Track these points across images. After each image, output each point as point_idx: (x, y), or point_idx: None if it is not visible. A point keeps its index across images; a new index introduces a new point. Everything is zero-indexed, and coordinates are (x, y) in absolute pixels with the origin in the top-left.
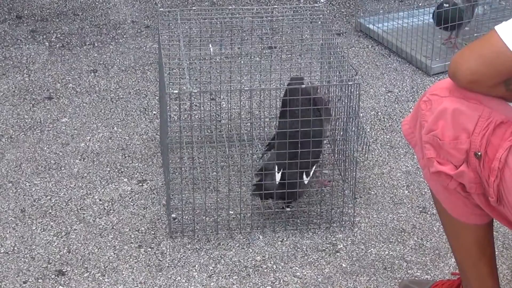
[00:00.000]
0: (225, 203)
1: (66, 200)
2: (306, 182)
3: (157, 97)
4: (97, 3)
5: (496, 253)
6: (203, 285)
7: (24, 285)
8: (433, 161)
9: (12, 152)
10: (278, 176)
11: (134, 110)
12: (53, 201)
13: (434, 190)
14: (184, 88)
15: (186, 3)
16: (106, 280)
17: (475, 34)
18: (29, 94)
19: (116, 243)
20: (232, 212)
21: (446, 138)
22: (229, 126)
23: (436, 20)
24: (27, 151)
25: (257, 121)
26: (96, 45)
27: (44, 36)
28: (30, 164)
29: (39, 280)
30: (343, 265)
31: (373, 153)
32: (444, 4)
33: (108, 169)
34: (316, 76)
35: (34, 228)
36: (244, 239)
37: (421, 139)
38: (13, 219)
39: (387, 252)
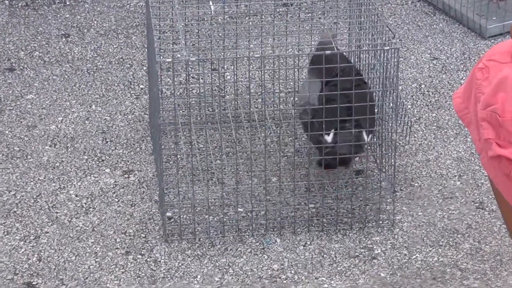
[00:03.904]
0: (232, 199)
1: (35, 196)
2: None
3: (145, 68)
4: None
5: None
6: None
7: None
8: (492, 143)
9: None
10: (329, 138)
11: (116, 84)
12: (18, 197)
13: (493, 179)
14: (179, 55)
15: None
16: None
17: None
18: None
19: (98, 248)
20: (241, 210)
21: (508, 114)
22: (236, 102)
23: None
24: None
25: (270, 96)
26: (68, 3)
27: None
28: None
29: None
30: (382, 274)
31: (415, 135)
32: None
33: (86, 157)
34: (343, 40)
35: None
36: (257, 243)
37: (477, 115)
38: None
39: (436, 258)
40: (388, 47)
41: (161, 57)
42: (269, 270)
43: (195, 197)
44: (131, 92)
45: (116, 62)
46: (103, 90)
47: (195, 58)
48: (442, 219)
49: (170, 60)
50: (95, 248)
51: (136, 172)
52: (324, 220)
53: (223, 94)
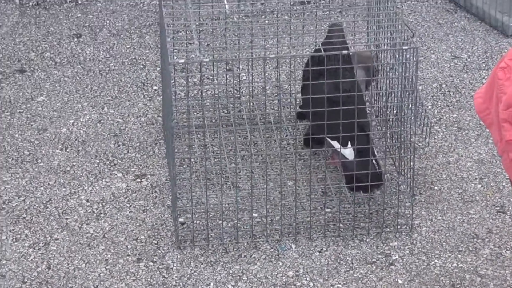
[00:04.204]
0: (247, 204)
1: (44, 202)
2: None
3: (158, 68)
4: None
5: None
6: None
7: None
8: None
9: None
10: (348, 152)
11: (129, 85)
12: (27, 203)
13: None
14: (193, 56)
15: None
16: None
17: None
18: None
19: (109, 255)
20: (256, 215)
21: None
22: (251, 104)
23: None
24: None
25: (286, 97)
26: (79, 2)
27: None
28: None
29: None
30: (399, 281)
31: (435, 137)
32: None
33: (97, 161)
34: (361, 38)
35: (4, 237)
36: (272, 249)
37: (498, 116)
38: None
39: (455, 264)
40: (407, 46)
41: (175, 58)
42: (283, 277)
43: (209, 202)
44: (144, 93)
45: (129, 63)
46: (116, 92)
47: (209, 58)
48: (461, 223)
49: (183, 61)
50: (105, 255)
51: (149, 176)
52: (341, 225)
53: (238, 95)
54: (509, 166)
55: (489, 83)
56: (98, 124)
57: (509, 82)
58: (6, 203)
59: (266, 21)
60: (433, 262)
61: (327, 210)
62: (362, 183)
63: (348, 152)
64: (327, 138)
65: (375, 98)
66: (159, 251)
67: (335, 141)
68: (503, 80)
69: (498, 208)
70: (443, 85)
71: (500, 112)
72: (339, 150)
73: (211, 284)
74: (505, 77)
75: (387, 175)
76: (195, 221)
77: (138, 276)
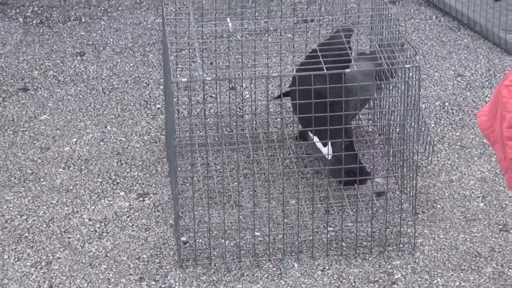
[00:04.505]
0: (249, 222)
1: (47, 221)
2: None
3: (161, 87)
4: None
5: None
6: None
7: None
8: None
9: None
10: (326, 150)
11: (132, 104)
12: (30, 222)
13: None
14: (196, 74)
15: None
16: None
17: None
18: None
19: (111, 275)
20: (258, 234)
21: None
22: (254, 122)
23: None
24: None
25: (289, 115)
26: (83, 20)
27: (18, 10)
28: (1, 174)
29: None
30: None
31: (438, 155)
32: None
33: (100, 179)
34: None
35: (6, 257)
36: (275, 268)
37: (502, 134)
38: None
39: (458, 283)
40: (409, 65)
41: (178, 76)
42: None
43: (211, 221)
44: (147, 112)
45: (132, 81)
46: (119, 110)
47: (212, 77)
48: (464, 242)
49: (185, 79)
50: (108, 275)
51: (152, 195)
52: (343, 243)
53: (241, 114)
54: None
55: (493, 101)
56: (101, 143)
57: None
58: (9, 222)
59: (269, 39)
60: (435, 281)
61: (329, 228)
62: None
63: (325, 150)
64: (308, 132)
65: (378, 116)
66: (162, 270)
67: (316, 136)
68: (507, 98)
69: (501, 227)
70: (446, 103)
71: (504, 130)
72: (318, 144)
73: None
74: (509, 95)
75: (389, 193)
76: (197, 240)
77: None
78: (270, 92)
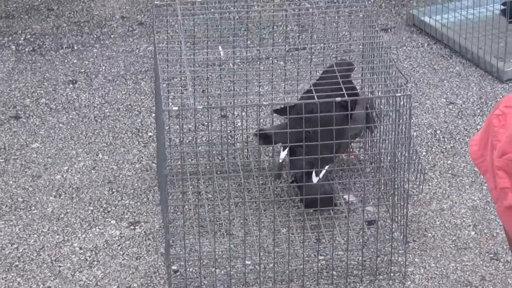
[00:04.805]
0: (240, 251)
1: (38, 249)
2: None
3: (153, 114)
4: None
5: None
6: None
7: None
8: (508, 192)
9: None
10: (283, 154)
11: (124, 132)
12: (20, 250)
13: (508, 230)
14: (187, 102)
15: None
16: None
17: None
18: None
19: None
20: (249, 263)
21: None
22: (245, 151)
23: (509, 15)
24: None
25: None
26: (75, 48)
27: (10, 38)
28: None
29: None
30: None
31: (429, 184)
32: None
33: (91, 208)
34: (356, 84)
35: None
36: None
37: (493, 164)
38: None
39: None
40: (400, 93)
41: (170, 104)
42: None
43: (202, 250)
44: (139, 140)
45: (124, 109)
46: (111, 138)
47: (203, 105)
48: (455, 270)
49: (177, 108)
50: None
51: (143, 223)
52: (334, 272)
53: (233, 142)
54: (503, 213)
55: (483, 130)
56: (92, 171)
57: (503, 129)
58: (0, 250)
59: (261, 67)
60: None
61: (320, 257)
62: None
63: (282, 154)
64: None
65: (369, 144)
66: None
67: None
68: (497, 127)
69: (491, 255)
70: (438, 131)
71: (494, 159)
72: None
73: None
74: (499, 124)
75: (380, 222)
76: (188, 269)
77: None
78: (262, 120)
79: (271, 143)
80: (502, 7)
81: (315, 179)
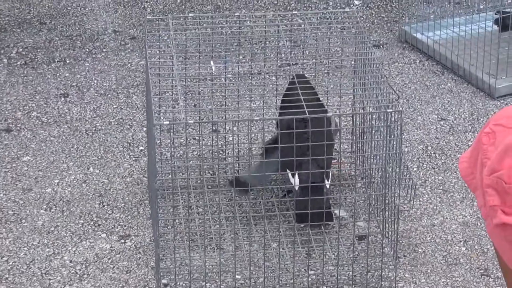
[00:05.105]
0: (230, 265)
1: (28, 262)
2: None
3: (145, 128)
4: (69, 9)
5: None
6: None
7: None
8: (497, 210)
9: None
10: (295, 180)
11: (115, 145)
12: (10, 263)
13: (498, 247)
14: (179, 117)
15: (183, 7)
16: None
17: None
18: None
19: None
20: (239, 277)
21: None
22: (236, 165)
23: (501, 25)
24: None
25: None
26: (67, 61)
27: (2, 51)
28: None
29: None
30: None
31: (420, 199)
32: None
33: (82, 221)
34: (347, 100)
35: None
36: None
37: (483, 181)
38: None
39: None
40: (391, 109)
41: (161, 118)
42: None
43: (192, 263)
44: (130, 154)
45: (116, 123)
46: (102, 152)
47: (194, 120)
48: (445, 286)
49: (168, 122)
50: None
51: (133, 237)
52: (324, 287)
53: (224, 157)
54: (492, 231)
55: (473, 147)
56: (83, 184)
57: (493, 147)
58: None
59: (253, 82)
60: None
61: (311, 272)
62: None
63: (295, 180)
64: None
65: (360, 160)
66: None
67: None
68: (487, 145)
69: (482, 271)
70: (429, 147)
71: (484, 177)
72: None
73: None
74: (489, 142)
75: (371, 237)
76: (178, 283)
77: None
78: (253, 135)
79: (247, 189)
80: (495, 16)
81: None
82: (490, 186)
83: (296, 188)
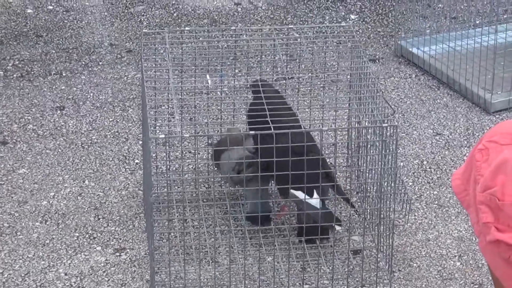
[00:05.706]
0: (225, 279)
1: (23, 275)
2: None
3: (140, 142)
4: (65, 22)
5: None
6: None
7: None
8: (491, 227)
9: None
10: (314, 202)
11: (111, 159)
12: (5, 275)
13: (491, 264)
14: (175, 130)
15: (179, 21)
16: None
17: None
18: None
19: None
20: None
21: (507, 198)
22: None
23: None
24: None
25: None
26: (64, 74)
27: None
28: None
29: None
30: None
31: (416, 214)
32: None
33: (77, 234)
34: (343, 114)
35: None
36: None
37: (476, 198)
38: None
39: None
40: (386, 124)
41: (157, 132)
42: None
43: (187, 277)
44: (126, 167)
45: (112, 136)
46: (97, 165)
47: (189, 134)
48: None
49: (163, 136)
50: None
51: (128, 250)
52: None
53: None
54: (485, 247)
55: (467, 164)
56: (78, 197)
57: (486, 164)
58: None
59: (249, 96)
60: None
61: (305, 286)
62: (325, 233)
63: (315, 202)
64: (291, 190)
65: (356, 174)
66: None
67: (300, 192)
68: (480, 162)
69: (476, 286)
70: (424, 162)
71: (477, 194)
72: (304, 200)
73: None
74: (482, 159)
75: (366, 251)
76: None
77: None
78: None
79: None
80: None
81: (314, 203)
82: (483, 203)
83: (311, 202)
